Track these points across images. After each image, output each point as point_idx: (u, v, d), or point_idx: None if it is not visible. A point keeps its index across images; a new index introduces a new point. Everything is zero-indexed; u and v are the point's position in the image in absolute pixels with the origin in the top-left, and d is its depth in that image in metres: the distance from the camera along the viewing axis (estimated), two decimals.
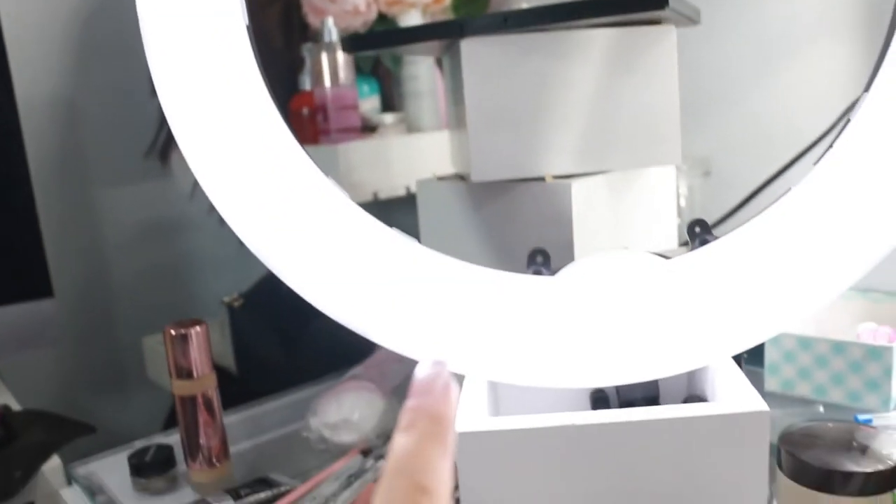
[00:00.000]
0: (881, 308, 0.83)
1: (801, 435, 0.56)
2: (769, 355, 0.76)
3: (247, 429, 0.76)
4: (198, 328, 0.62)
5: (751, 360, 0.46)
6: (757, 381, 0.76)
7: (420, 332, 0.49)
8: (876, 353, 0.70)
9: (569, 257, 0.58)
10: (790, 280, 0.47)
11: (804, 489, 0.53)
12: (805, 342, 0.74)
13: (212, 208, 0.44)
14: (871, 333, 0.75)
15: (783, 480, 0.54)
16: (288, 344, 0.88)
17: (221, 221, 0.44)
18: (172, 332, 0.62)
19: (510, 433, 0.44)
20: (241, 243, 0.44)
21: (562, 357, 0.49)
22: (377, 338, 0.48)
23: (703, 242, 0.57)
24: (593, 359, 0.49)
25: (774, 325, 0.49)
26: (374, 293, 0.47)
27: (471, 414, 0.46)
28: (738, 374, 0.50)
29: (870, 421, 0.65)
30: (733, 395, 0.46)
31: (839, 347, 0.72)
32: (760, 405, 0.44)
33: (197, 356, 0.62)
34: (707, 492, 0.45)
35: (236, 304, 0.87)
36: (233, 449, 0.68)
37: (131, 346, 1.11)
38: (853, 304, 0.86)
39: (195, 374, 0.63)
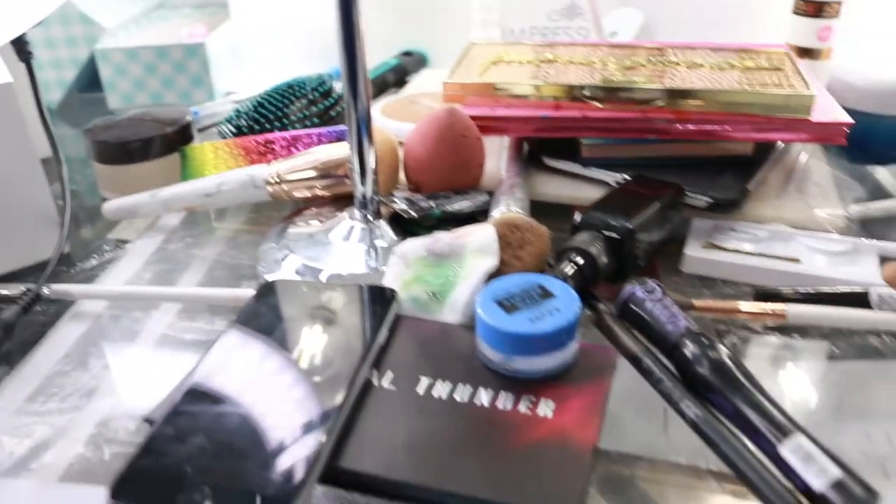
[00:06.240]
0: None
1: (102, 125, 0.60)
2: (102, 72, 0.79)
3: None
4: None
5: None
6: (99, 104, 0.80)
7: None
8: (191, 51, 0.78)
9: None
10: None
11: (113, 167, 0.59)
12: (132, 53, 0.78)
13: None
14: (188, 35, 0.82)
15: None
16: None
17: None
18: None
19: None
20: None
21: None
22: None
23: None
24: None
25: None
26: None
27: None
28: None
29: (197, 113, 0.72)
30: None
31: (161, 52, 0.78)
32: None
33: None
34: None
35: None
36: None
37: None
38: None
39: None
